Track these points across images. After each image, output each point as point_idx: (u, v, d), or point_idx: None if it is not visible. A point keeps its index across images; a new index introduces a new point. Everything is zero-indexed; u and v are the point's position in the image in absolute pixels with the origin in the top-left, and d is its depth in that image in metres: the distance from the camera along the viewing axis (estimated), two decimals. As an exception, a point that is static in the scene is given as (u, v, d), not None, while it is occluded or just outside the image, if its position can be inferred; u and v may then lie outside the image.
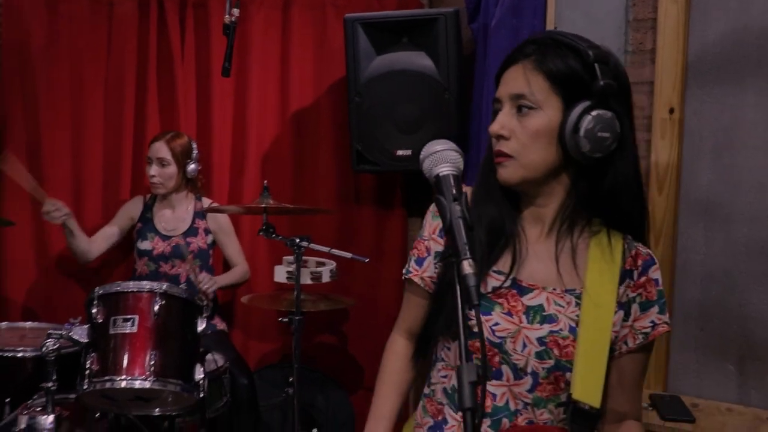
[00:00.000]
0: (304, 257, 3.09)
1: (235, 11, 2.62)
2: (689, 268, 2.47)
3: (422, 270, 1.50)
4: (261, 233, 2.74)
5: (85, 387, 2.24)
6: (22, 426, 2.27)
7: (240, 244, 3.48)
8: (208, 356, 2.59)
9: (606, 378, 1.38)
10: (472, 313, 1.19)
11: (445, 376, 1.45)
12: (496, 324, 1.35)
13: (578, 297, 1.35)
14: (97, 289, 2.37)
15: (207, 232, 3.38)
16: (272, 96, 3.60)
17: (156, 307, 2.33)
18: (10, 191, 3.46)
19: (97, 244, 3.36)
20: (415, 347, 1.51)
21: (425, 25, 3.10)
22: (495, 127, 1.36)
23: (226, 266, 3.51)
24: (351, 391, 3.60)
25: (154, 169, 3.24)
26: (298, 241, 2.69)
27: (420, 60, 3.13)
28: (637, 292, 1.38)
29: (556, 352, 1.33)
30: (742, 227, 2.37)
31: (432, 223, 1.50)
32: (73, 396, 2.38)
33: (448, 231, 1.13)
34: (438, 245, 1.48)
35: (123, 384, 2.24)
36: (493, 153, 1.38)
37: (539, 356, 1.34)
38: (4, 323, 3.08)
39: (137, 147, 3.54)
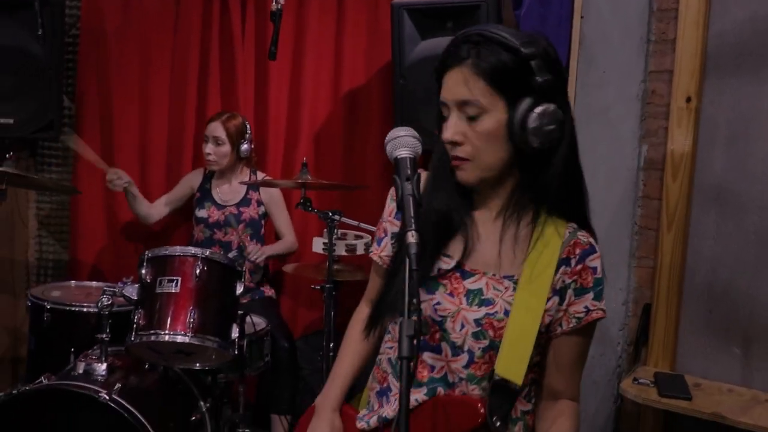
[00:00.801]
0: (344, 230, 3.30)
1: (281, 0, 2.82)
2: (700, 253, 2.54)
3: (380, 249, 1.59)
4: (299, 206, 2.94)
5: (132, 339, 2.48)
6: (80, 371, 2.53)
7: (290, 217, 3.70)
8: (248, 319, 2.80)
9: (544, 358, 1.49)
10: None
11: (390, 348, 1.54)
12: (438, 303, 1.44)
13: (515, 283, 1.42)
14: (146, 252, 2.61)
15: (259, 203, 3.62)
16: (325, 78, 3.78)
17: (197, 271, 2.54)
18: (81, 163, 3.78)
19: (158, 208, 3.67)
20: (366, 321, 1.56)
21: (468, 12, 3.18)
22: (447, 135, 1.39)
23: (278, 237, 3.74)
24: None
25: (209, 147, 3.50)
26: (330, 214, 2.88)
27: (462, 45, 3.24)
28: (572, 279, 1.42)
29: (490, 333, 1.40)
30: (753, 215, 2.43)
31: (389, 205, 1.60)
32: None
33: (399, 206, 1.27)
34: (393, 226, 1.56)
35: (166, 338, 2.46)
36: (450, 157, 1.42)
37: (475, 336, 1.41)
38: (73, 282, 3.40)
39: (199, 123, 3.79)
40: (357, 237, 3.30)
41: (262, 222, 3.65)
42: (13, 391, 2.42)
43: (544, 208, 1.43)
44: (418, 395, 1.46)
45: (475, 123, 1.36)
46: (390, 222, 1.58)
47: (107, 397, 2.38)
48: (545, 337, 1.45)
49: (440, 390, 1.45)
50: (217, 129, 3.48)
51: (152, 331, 2.48)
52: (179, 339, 2.47)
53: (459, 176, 1.42)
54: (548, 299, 1.40)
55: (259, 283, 3.58)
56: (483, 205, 1.48)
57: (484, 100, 1.34)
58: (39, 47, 3.37)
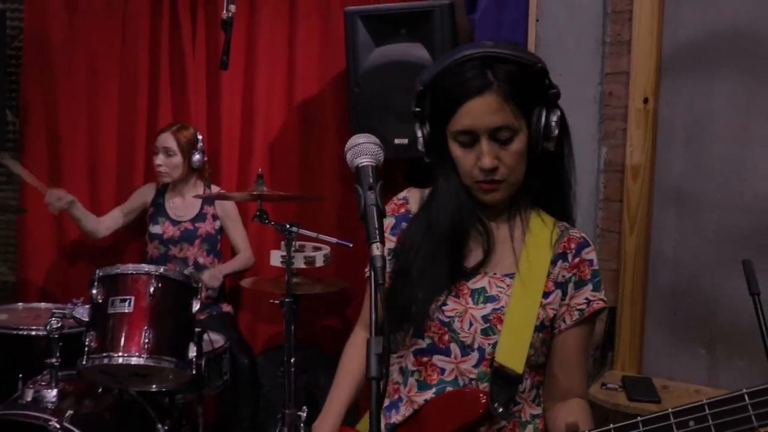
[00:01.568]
0: (302, 242, 3.22)
1: (232, 7, 2.76)
2: (662, 254, 2.54)
3: None
4: (255, 219, 2.87)
5: (84, 363, 2.38)
6: (28, 399, 2.42)
7: (245, 231, 3.62)
8: (205, 336, 2.71)
9: (548, 357, 1.50)
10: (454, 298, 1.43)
11: (400, 356, 1.54)
12: (445, 305, 1.45)
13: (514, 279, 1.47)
14: (97, 271, 2.51)
15: (215, 218, 3.53)
16: (278, 87, 3.72)
17: (151, 289, 2.45)
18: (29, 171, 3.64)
19: (106, 223, 3.56)
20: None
21: (421, 18, 3.16)
22: (489, 163, 1.40)
23: (234, 252, 3.66)
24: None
25: (160, 159, 3.41)
26: (288, 226, 2.81)
27: (417, 51, 3.20)
28: (572, 273, 1.46)
29: (499, 327, 1.43)
30: (711, 214, 2.44)
31: (384, 221, 1.54)
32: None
33: (362, 217, 1.22)
34: (390, 242, 1.54)
35: (120, 360, 2.37)
36: (483, 183, 1.43)
37: (484, 333, 1.43)
38: (20, 304, 3.26)
39: (150, 135, 3.69)
40: (316, 249, 3.23)
41: (219, 237, 3.57)
42: (-44, 423, 2.30)
43: (536, 209, 1.52)
44: (426, 395, 1.47)
45: (508, 146, 1.40)
46: (387, 238, 1.53)
47: (58, 426, 2.29)
48: (549, 334, 1.48)
49: (449, 390, 1.46)
50: (167, 140, 3.40)
51: (105, 354, 2.38)
52: (134, 361, 2.38)
53: (490, 198, 1.46)
54: (550, 293, 1.45)
55: (216, 299, 3.49)
56: (485, 211, 1.52)
57: (516, 123, 1.39)
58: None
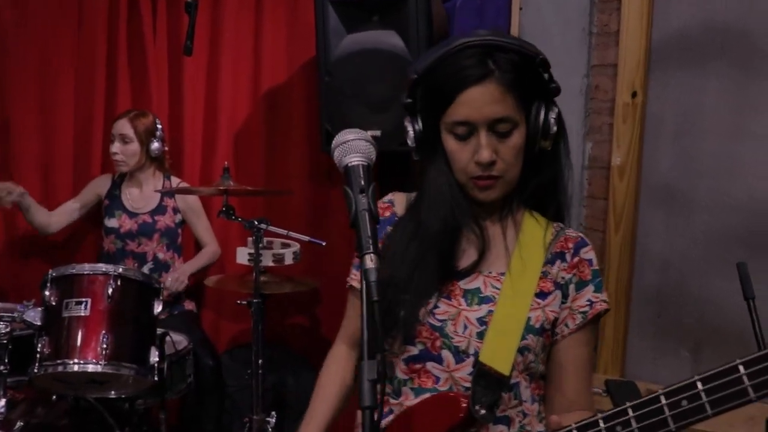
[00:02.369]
0: (270, 239, 3.08)
1: (197, -11, 2.59)
2: (649, 254, 2.46)
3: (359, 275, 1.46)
4: (221, 215, 2.72)
5: (36, 370, 2.24)
6: (-27, 410, 2.27)
7: (210, 224, 3.46)
8: (167, 338, 2.56)
9: (550, 367, 1.41)
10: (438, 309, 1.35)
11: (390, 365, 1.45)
12: (436, 307, 1.37)
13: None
14: (51, 271, 2.36)
15: (176, 211, 3.37)
16: (244, 75, 3.56)
17: (110, 290, 2.32)
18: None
19: (58, 217, 3.37)
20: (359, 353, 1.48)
21: (396, 4, 3.03)
22: (486, 156, 1.32)
23: (198, 245, 3.50)
24: (321, 372, 3.59)
25: (116, 146, 3.25)
26: (256, 223, 2.67)
27: (390, 39, 3.07)
28: (571, 273, 1.39)
29: None
30: (701, 214, 2.36)
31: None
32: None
33: (353, 224, 1.11)
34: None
35: (75, 368, 2.24)
36: (478, 179, 1.36)
37: (480, 336, 1.35)
38: (-38, 303, 3.06)
39: (108, 126, 3.49)
40: (284, 245, 3.09)
41: (179, 231, 3.40)
42: None
43: (530, 209, 1.45)
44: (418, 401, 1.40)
45: (506, 139, 1.33)
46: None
47: (7, 439, 2.12)
48: (550, 339, 1.39)
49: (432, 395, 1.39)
50: (124, 126, 3.23)
51: (59, 361, 2.25)
52: (90, 368, 2.25)
53: (486, 196, 1.38)
54: (549, 293, 1.38)
55: (178, 296, 3.32)
56: (478, 210, 1.44)
57: (516, 116, 1.32)
58: None
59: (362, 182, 1.13)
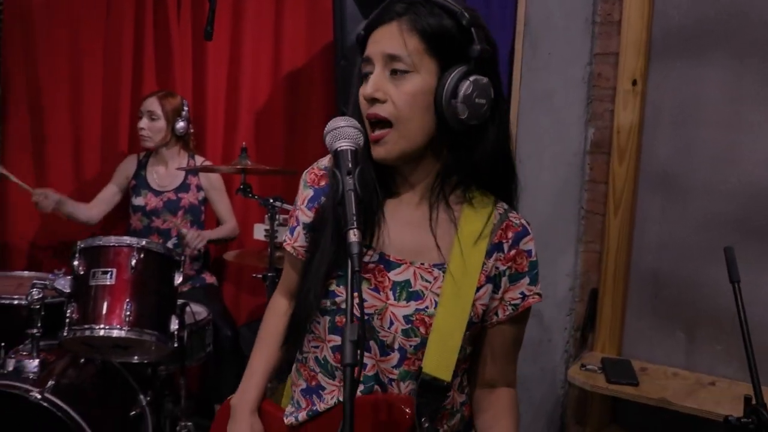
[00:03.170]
0: (286, 216, 3.21)
1: (218, -24, 2.70)
2: (646, 237, 2.55)
3: (293, 240, 1.46)
4: (239, 192, 2.85)
5: (66, 334, 2.37)
6: (10, 369, 2.42)
7: (230, 202, 3.60)
8: (187, 308, 2.70)
9: (477, 347, 1.42)
10: (341, 289, 1.31)
11: (316, 347, 1.42)
12: (364, 301, 1.29)
13: (446, 271, 1.33)
14: (79, 242, 2.49)
15: (199, 188, 3.51)
16: (265, 59, 3.69)
17: (133, 261, 2.44)
18: (9, 144, 3.60)
19: (98, 208, 3.52)
20: (288, 330, 1.46)
21: (413, -9, 3.13)
22: (368, 90, 1.27)
23: (219, 223, 3.64)
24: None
25: (143, 122, 3.39)
26: (271, 201, 2.80)
27: (406, 25, 3.17)
28: (507, 265, 1.36)
29: (422, 330, 1.32)
30: (698, 200, 2.44)
31: (302, 192, 1.46)
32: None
33: (339, 202, 1.17)
34: (305, 216, 1.43)
35: (101, 333, 2.36)
36: (367, 118, 1.29)
37: (406, 334, 1.32)
38: (2, 272, 3.24)
39: (134, 106, 3.64)
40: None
41: (202, 208, 3.54)
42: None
43: (471, 190, 1.36)
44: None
45: (401, 81, 1.26)
46: (302, 210, 1.45)
47: (39, 396, 2.29)
48: (479, 327, 1.38)
49: (377, 388, 1.36)
50: (152, 104, 3.38)
51: (86, 326, 2.37)
52: (115, 333, 2.37)
53: (377, 153, 1.30)
54: (479, 287, 1.33)
55: (199, 270, 3.48)
56: (406, 189, 1.38)
57: (415, 58, 1.26)
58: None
59: (350, 165, 1.19)
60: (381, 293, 1.34)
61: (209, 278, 3.53)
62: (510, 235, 1.36)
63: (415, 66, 1.26)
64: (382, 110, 1.27)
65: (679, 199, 2.47)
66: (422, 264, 1.34)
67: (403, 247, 1.36)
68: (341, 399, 1.31)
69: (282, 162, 3.65)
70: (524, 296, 1.38)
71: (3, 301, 2.79)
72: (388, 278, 1.34)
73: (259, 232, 3.11)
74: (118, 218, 3.72)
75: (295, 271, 1.46)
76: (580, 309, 2.70)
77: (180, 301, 2.61)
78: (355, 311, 1.10)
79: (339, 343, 1.30)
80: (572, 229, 2.68)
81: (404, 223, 1.37)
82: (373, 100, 1.28)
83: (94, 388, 2.60)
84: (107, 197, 3.56)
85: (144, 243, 2.50)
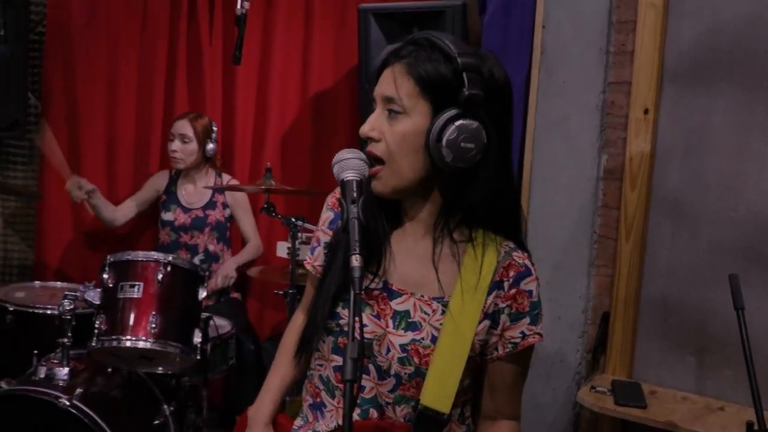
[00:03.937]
0: (309, 235, 3.31)
1: (246, 4, 2.82)
2: (657, 262, 2.58)
3: (313, 259, 1.57)
4: (262, 211, 2.96)
5: (94, 344, 2.48)
6: (41, 376, 2.53)
7: (255, 221, 3.71)
8: (211, 322, 2.80)
9: (478, 379, 1.47)
10: (346, 312, 1.38)
11: (320, 365, 1.50)
12: (365, 326, 1.39)
13: (445, 305, 1.38)
14: (108, 256, 2.61)
15: (225, 206, 3.63)
16: (292, 81, 3.80)
17: (160, 276, 2.54)
18: (47, 162, 3.75)
19: (123, 212, 3.65)
20: (298, 344, 1.52)
21: (434, 17, 3.19)
22: (365, 129, 1.37)
23: (244, 240, 3.75)
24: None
25: (176, 145, 3.51)
26: (293, 220, 2.90)
27: (428, 50, 3.25)
28: (506, 303, 1.39)
29: (416, 359, 1.36)
30: (707, 227, 2.48)
31: (324, 214, 1.57)
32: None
33: (344, 229, 1.28)
34: (326, 236, 1.53)
35: (128, 343, 2.47)
36: (366, 153, 1.37)
37: (401, 362, 1.38)
38: (37, 282, 3.38)
39: (166, 122, 3.78)
40: (321, 242, 3.31)
41: (228, 225, 3.66)
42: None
43: (476, 228, 1.40)
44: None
45: (394, 122, 1.34)
46: (323, 231, 1.56)
47: (67, 403, 2.38)
48: (478, 360, 1.43)
49: (373, 412, 1.43)
50: (184, 127, 3.49)
51: (114, 337, 2.48)
52: (141, 344, 2.48)
53: (374, 186, 1.38)
54: (480, 322, 1.37)
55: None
56: (412, 222, 1.45)
57: (407, 101, 1.32)
58: (2, 46, 3.33)
59: (354, 194, 1.29)
60: (381, 320, 1.41)
61: (234, 293, 3.64)
62: (511, 274, 1.39)
63: (408, 108, 1.32)
64: (375, 149, 1.36)
65: (688, 226, 2.51)
66: (422, 296, 1.40)
67: (406, 278, 1.42)
68: (340, 423, 1.37)
69: (307, 182, 3.76)
70: (524, 335, 1.41)
71: (37, 310, 2.92)
72: (390, 306, 1.41)
73: (282, 249, 3.21)
74: (149, 232, 3.86)
75: (314, 289, 1.55)
76: (592, 332, 2.75)
77: (204, 315, 2.71)
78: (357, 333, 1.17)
79: (340, 363, 1.39)
80: (585, 253, 2.73)
81: (408, 254, 1.43)
82: (368, 139, 1.37)
83: (120, 396, 2.70)
84: (133, 204, 3.70)
85: (170, 258, 2.61)
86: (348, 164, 1.33)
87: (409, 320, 1.39)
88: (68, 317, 2.57)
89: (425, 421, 1.36)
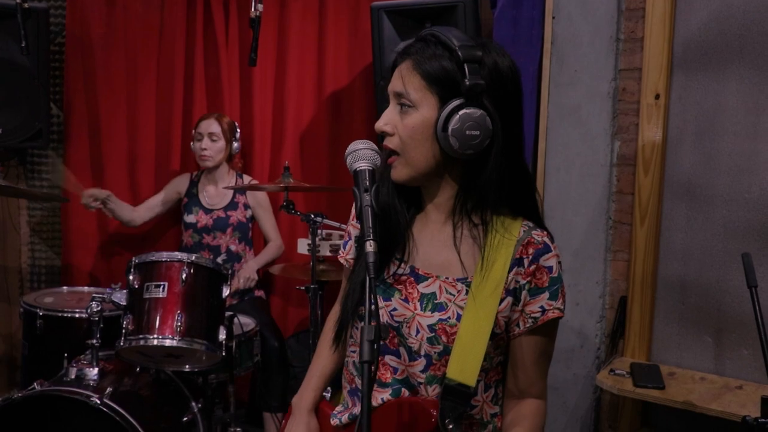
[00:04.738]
0: (329, 231, 3.37)
1: (260, 6, 2.87)
2: (672, 245, 2.60)
3: (346, 252, 1.64)
4: (282, 209, 3.01)
5: (122, 344, 2.55)
6: (72, 377, 2.60)
7: (276, 221, 3.77)
8: (235, 320, 2.86)
9: (507, 356, 1.52)
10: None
11: (354, 351, 1.57)
12: (395, 309, 1.46)
13: (468, 286, 1.43)
14: (134, 258, 2.68)
15: (246, 206, 3.69)
16: (308, 81, 3.85)
17: (184, 275, 2.61)
18: (72, 163, 3.88)
19: (141, 212, 3.73)
20: (335, 331, 1.59)
21: (446, 12, 3.22)
22: (380, 124, 1.44)
23: (266, 240, 3.80)
24: (378, 355, 3.85)
25: (205, 143, 3.56)
26: (312, 216, 2.95)
27: (441, 46, 3.29)
28: (526, 280, 1.44)
29: (443, 338, 1.42)
30: (721, 209, 2.49)
31: (353, 209, 1.59)
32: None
33: (358, 216, 1.33)
34: (356, 230, 1.60)
35: (155, 342, 2.53)
36: (383, 146, 1.45)
37: (430, 341, 1.43)
38: (65, 287, 3.47)
39: (186, 127, 3.86)
40: (342, 237, 3.35)
41: (250, 225, 3.72)
42: (6, 399, 2.47)
43: (496, 209, 1.45)
44: (384, 395, 1.50)
45: (405, 116, 1.40)
46: (353, 226, 1.62)
47: (98, 402, 2.44)
48: (505, 338, 1.48)
49: (404, 391, 1.49)
50: (212, 125, 3.55)
51: (141, 336, 2.54)
52: (167, 342, 2.54)
53: (392, 174, 1.46)
54: (502, 300, 1.42)
55: (248, 285, 3.65)
56: (433, 208, 1.51)
57: (415, 95, 1.39)
58: (24, 57, 3.41)
59: (367, 183, 1.35)
60: (410, 303, 1.47)
61: (257, 291, 3.69)
62: (531, 251, 1.44)
63: (417, 102, 1.39)
64: (390, 142, 1.44)
65: (702, 208, 2.53)
66: (447, 278, 1.46)
67: (431, 261, 1.49)
68: (374, 404, 1.48)
69: (326, 179, 3.81)
70: (544, 310, 1.45)
71: (65, 314, 3.00)
72: (417, 290, 1.47)
73: (303, 246, 3.26)
74: (172, 233, 3.93)
75: (347, 280, 1.62)
76: (610, 316, 2.77)
77: (228, 313, 2.76)
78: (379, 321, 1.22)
79: None
80: (601, 239, 2.76)
81: (432, 239, 1.50)
82: (384, 133, 1.44)
83: (149, 395, 2.76)
84: (152, 205, 3.77)
85: (194, 258, 2.67)
86: (360, 154, 1.39)
87: (436, 302, 1.45)
88: (96, 319, 2.64)
89: (452, 394, 1.41)
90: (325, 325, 1.74)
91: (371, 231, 1.29)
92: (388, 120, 1.43)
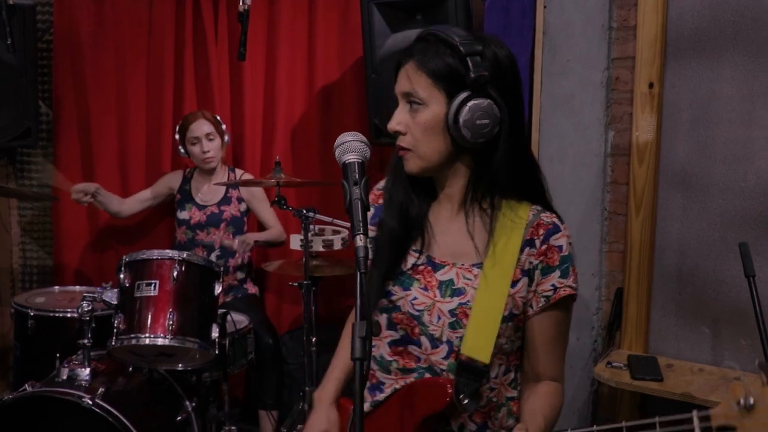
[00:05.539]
0: (322, 226, 3.33)
1: (248, 0, 2.84)
2: (668, 236, 2.58)
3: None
4: (274, 204, 2.98)
5: (114, 343, 2.52)
6: (64, 377, 2.57)
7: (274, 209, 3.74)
8: (228, 317, 2.83)
9: (524, 340, 1.54)
10: (396, 288, 1.50)
11: (374, 345, 1.57)
12: (415, 298, 1.50)
13: (482, 268, 1.48)
14: (124, 256, 2.64)
15: (240, 200, 3.65)
16: (299, 75, 3.81)
17: (175, 273, 2.57)
18: (60, 169, 3.84)
19: (129, 204, 3.70)
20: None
21: (436, 3, 3.19)
22: (391, 125, 1.49)
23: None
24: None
25: (206, 145, 3.51)
26: (304, 211, 2.91)
27: (431, 37, 3.26)
28: (539, 259, 1.47)
29: (465, 321, 1.46)
30: (717, 198, 2.47)
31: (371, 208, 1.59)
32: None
33: (347, 210, 1.31)
34: (372, 232, 1.55)
35: (146, 341, 2.50)
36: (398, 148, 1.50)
37: (452, 326, 1.47)
38: (57, 287, 3.43)
39: (176, 123, 3.79)
40: (335, 232, 3.33)
41: (245, 219, 3.68)
42: (-2, 400, 2.45)
43: (505, 195, 1.50)
44: (409, 378, 1.52)
45: (416, 113, 1.45)
46: (369, 228, 1.60)
47: (90, 402, 2.42)
48: (521, 318, 1.51)
49: (428, 376, 1.51)
50: (203, 125, 3.51)
51: (132, 335, 2.51)
52: (159, 341, 2.51)
53: (405, 167, 1.51)
54: (517, 281, 1.47)
55: (242, 280, 3.62)
56: (446, 197, 1.55)
57: (423, 93, 1.44)
58: (11, 55, 3.37)
59: (356, 176, 1.33)
60: (429, 291, 1.50)
61: (251, 288, 3.66)
62: (541, 232, 1.48)
63: (425, 99, 1.44)
64: (403, 141, 1.49)
65: (698, 198, 2.51)
66: (463, 264, 1.51)
67: (446, 250, 1.53)
68: (397, 387, 1.53)
69: (319, 174, 3.78)
70: (555, 288, 1.48)
71: (57, 314, 2.97)
72: (435, 278, 1.51)
73: (295, 242, 3.23)
74: (165, 230, 3.90)
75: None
76: (607, 308, 2.75)
77: (221, 311, 2.73)
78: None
79: (396, 337, 1.54)
80: (596, 230, 2.73)
81: (446, 228, 1.55)
82: (396, 132, 1.49)
83: (141, 394, 2.74)
84: (142, 198, 3.73)
85: (185, 255, 2.64)
86: (349, 146, 1.37)
87: (454, 287, 1.49)
88: (87, 319, 2.61)
89: (466, 371, 1.44)
90: (347, 319, 1.75)
91: (361, 224, 1.28)
92: (400, 120, 1.48)
